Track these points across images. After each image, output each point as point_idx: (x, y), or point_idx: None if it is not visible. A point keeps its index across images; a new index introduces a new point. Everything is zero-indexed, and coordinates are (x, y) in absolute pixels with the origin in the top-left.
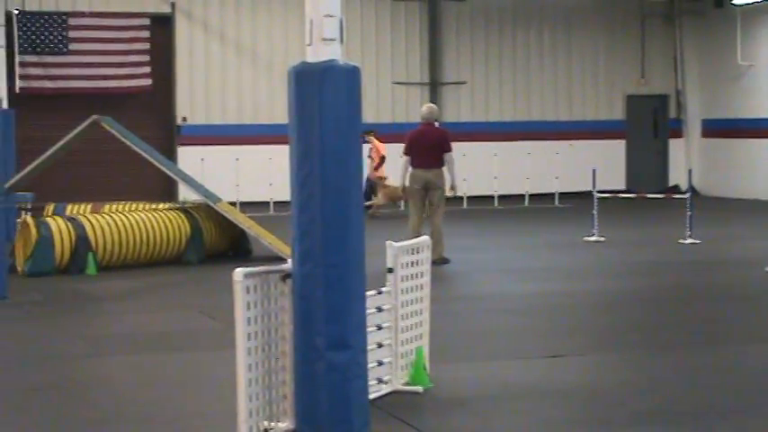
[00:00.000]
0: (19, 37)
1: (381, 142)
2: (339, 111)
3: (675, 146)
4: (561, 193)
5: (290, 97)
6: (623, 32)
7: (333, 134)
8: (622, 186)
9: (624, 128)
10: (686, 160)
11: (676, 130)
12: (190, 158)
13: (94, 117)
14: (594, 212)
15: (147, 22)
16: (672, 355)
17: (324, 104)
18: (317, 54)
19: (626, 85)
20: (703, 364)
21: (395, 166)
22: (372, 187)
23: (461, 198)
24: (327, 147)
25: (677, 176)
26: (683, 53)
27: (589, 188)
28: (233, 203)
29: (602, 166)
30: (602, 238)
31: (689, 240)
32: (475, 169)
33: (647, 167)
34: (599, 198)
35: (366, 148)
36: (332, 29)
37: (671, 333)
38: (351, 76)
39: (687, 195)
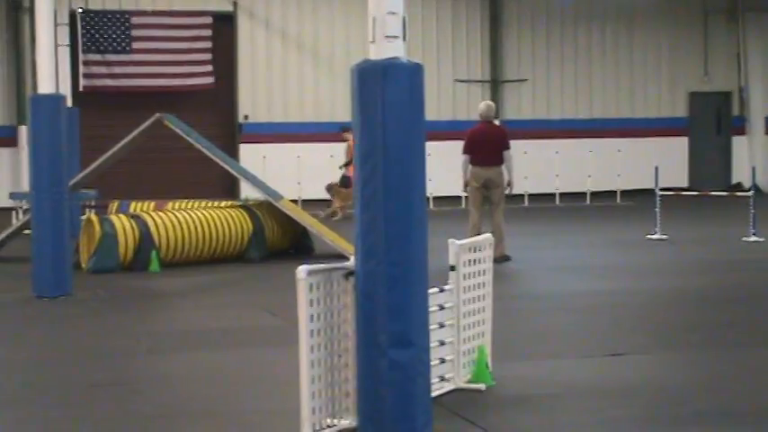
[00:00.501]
0: (83, 36)
1: None
2: (402, 108)
3: (738, 143)
4: (623, 191)
5: (353, 95)
6: (686, 29)
7: (396, 132)
8: (685, 184)
9: (687, 125)
10: (749, 157)
11: (739, 127)
12: (251, 156)
13: (158, 115)
14: (657, 210)
15: (209, 20)
16: (735, 354)
17: (387, 102)
18: (380, 52)
19: (689, 82)
20: (767, 364)
21: (451, 164)
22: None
23: (522, 196)
24: (390, 145)
25: (740, 174)
26: (746, 50)
27: (651, 186)
28: (295, 201)
29: (664, 163)
30: (665, 237)
31: (752, 238)
32: (536, 167)
33: (710, 165)
34: (661, 196)
35: (344, 146)
36: (395, 26)
37: (734, 332)
38: (414, 74)
39: (750, 193)
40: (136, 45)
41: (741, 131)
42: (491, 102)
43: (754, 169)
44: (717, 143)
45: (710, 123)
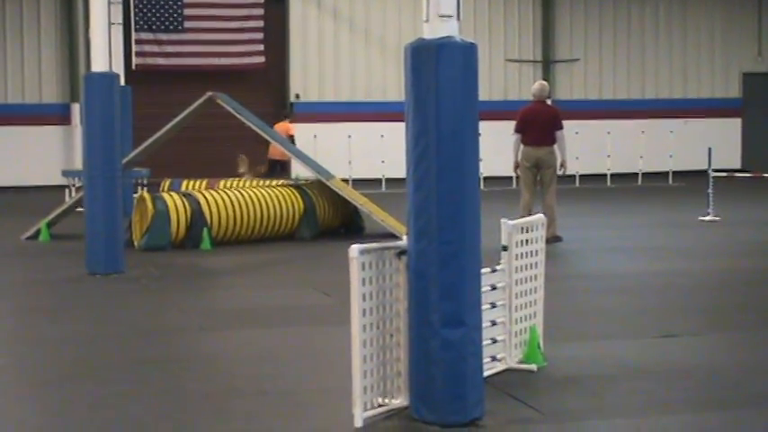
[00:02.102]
0: (135, 14)
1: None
2: (456, 87)
3: None
4: (675, 172)
5: (406, 74)
6: (740, 8)
7: (449, 111)
8: (738, 165)
9: (740, 106)
10: None
11: None
12: (303, 135)
13: (210, 93)
14: (710, 191)
15: None
16: None
17: (440, 81)
18: (434, 30)
19: (742, 62)
20: None
21: (503, 144)
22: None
23: (574, 176)
24: (443, 124)
25: None
26: None
27: (704, 167)
28: (345, 180)
29: (717, 144)
30: (717, 218)
31: None
32: (588, 147)
33: (764, 146)
34: (714, 177)
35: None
36: (449, 5)
37: None
38: (468, 53)
39: None
40: (188, 24)
41: None
42: (545, 82)
43: None
44: None
45: (764, 104)
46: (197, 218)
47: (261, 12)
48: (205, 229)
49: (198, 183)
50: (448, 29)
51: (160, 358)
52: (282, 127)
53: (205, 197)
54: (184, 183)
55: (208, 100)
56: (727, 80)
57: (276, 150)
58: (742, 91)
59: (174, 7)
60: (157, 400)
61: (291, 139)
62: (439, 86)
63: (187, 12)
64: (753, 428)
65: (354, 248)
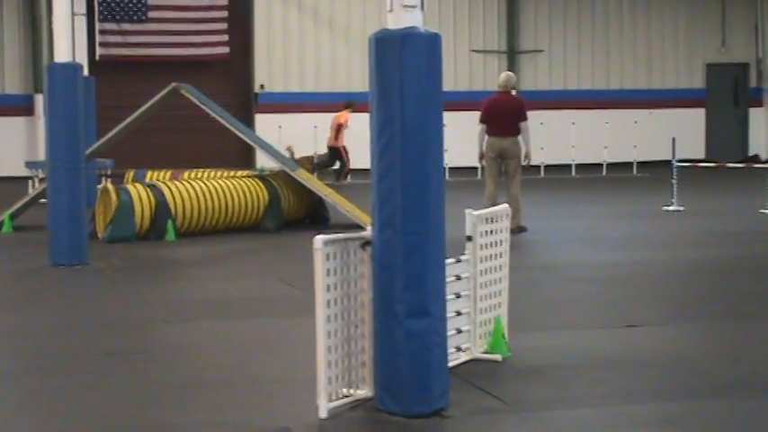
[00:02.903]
0: (99, 4)
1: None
2: (420, 78)
3: (756, 115)
4: (639, 163)
5: (370, 64)
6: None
7: (413, 102)
8: (702, 155)
9: (704, 96)
10: (767, 129)
11: (757, 98)
12: (268, 126)
13: (174, 84)
14: (674, 182)
15: None
16: (753, 325)
17: (405, 71)
18: (398, 21)
19: (706, 53)
20: None
21: (468, 135)
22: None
23: (539, 167)
24: (408, 114)
25: (757, 145)
26: (763, 21)
27: (668, 157)
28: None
29: (681, 134)
30: (682, 208)
31: None
32: (552, 138)
33: (727, 136)
34: (678, 167)
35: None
36: None
37: (752, 303)
38: (432, 43)
39: (767, 164)
40: (152, 14)
41: (758, 103)
42: (511, 73)
43: None
44: (734, 114)
45: (728, 95)
46: (161, 209)
47: (225, 2)
48: (169, 221)
49: (162, 174)
50: (412, 19)
51: (124, 350)
52: (343, 116)
53: (169, 188)
54: (149, 174)
55: (172, 90)
56: (691, 71)
57: (334, 138)
58: (706, 81)
59: None
60: (121, 391)
61: (339, 128)
62: (403, 77)
63: (151, 2)
64: (717, 417)
65: (318, 239)
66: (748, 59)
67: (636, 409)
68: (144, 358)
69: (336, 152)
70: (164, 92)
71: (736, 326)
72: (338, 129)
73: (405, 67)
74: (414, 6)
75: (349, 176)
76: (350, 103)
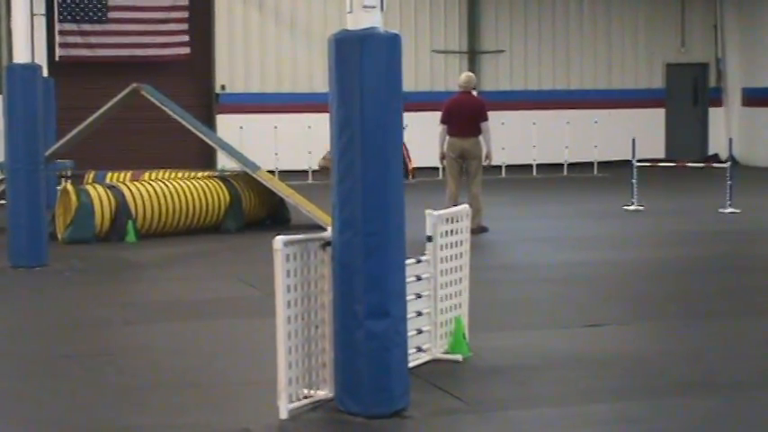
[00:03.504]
0: (59, 5)
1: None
2: (379, 79)
3: (715, 114)
4: (600, 162)
5: (330, 65)
6: (663, 0)
7: (373, 102)
8: (662, 155)
9: (664, 96)
10: (726, 129)
11: (716, 98)
12: (228, 126)
13: (134, 85)
14: (634, 181)
15: None
16: (713, 324)
17: (364, 72)
18: (358, 21)
19: (666, 53)
20: (744, 334)
21: (429, 135)
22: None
23: (500, 167)
24: (368, 115)
25: (717, 145)
26: (723, 21)
27: (628, 157)
28: (272, 172)
29: (641, 134)
30: (642, 207)
31: (729, 210)
32: (513, 138)
33: (687, 136)
34: (638, 167)
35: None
36: None
37: (711, 303)
38: (391, 44)
39: (727, 164)
40: (112, 14)
41: (718, 103)
42: (471, 73)
43: (730, 141)
44: (693, 114)
45: (687, 95)
46: (122, 210)
47: (185, 2)
48: (130, 222)
49: (122, 175)
50: (371, 20)
51: (84, 352)
52: None
53: (130, 189)
54: (109, 175)
55: (132, 91)
56: (651, 71)
57: None
58: (665, 81)
59: None
60: (81, 394)
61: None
62: (363, 78)
63: (111, 2)
64: (677, 416)
65: (279, 240)
66: (708, 59)
67: (596, 408)
68: (104, 360)
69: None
70: (124, 93)
71: (697, 325)
72: None
73: (364, 67)
74: (373, 7)
75: (412, 175)
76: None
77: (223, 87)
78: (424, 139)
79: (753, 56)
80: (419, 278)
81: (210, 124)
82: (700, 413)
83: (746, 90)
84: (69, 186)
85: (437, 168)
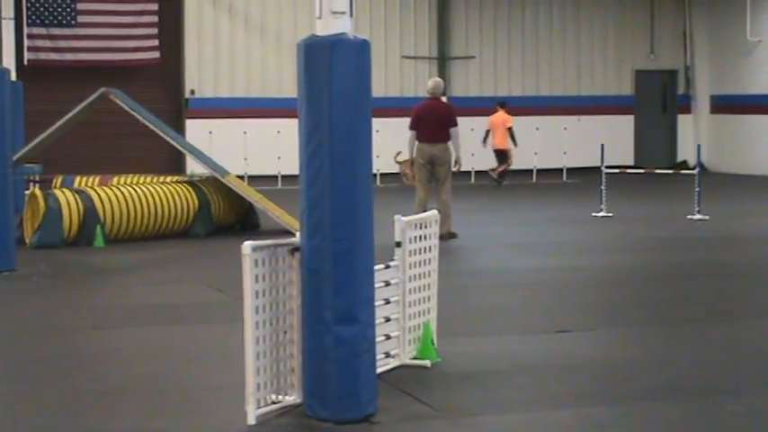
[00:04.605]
0: (27, 9)
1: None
2: (348, 84)
3: (684, 121)
4: (569, 169)
5: (299, 71)
6: (633, 7)
7: (342, 108)
8: (631, 162)
9: (633, 103)
10: (695, 136)
11: (685, 105)
12: (198, 131)
13: (103, 89)
14: (602, 188)
15: None
16: (680, 331)
17: (333, 78)
18: (327, 27)
19: (635, 60)
20: (712, 341)
21: (399, 140)
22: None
23: (469, 173)
24: (336, 120)
25: (686, 152)
26: (692, 28)
27: (597, 164)
28: (241, 177)
29: (610, 141)
30: (611, 214)
31: (697, 216)
32: (483, 144)
33: (656, 143)
34: (607, 173)
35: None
36: (341, 2)
37: (679, 309)
38: (360, 50)
39: (696, 171)
40: (81, 19)
41: (686, 110)
42: (439, 79)
43: (699, 147)
44: (662, 121)
45: (656, 102)
46: (90, 215)
47: (155, 7)
48: (98, 226)
49: (91, 179)
50: (341, 25)
51: (52, 357)
52: (500, 117)
53: (98, 194)
54: (77, 179)
55: (101, 96)
56: (620, 78)
57: (500, 140)
58: (634, 88)
59: (68, 1)
60: (49, 399)
61: (510, 131)
62: (332, 83)
63: (80, 6)
64: (643, 421)
65: (247, 245)
66: (676, 66)
67: (564, 414)
68: (72, 365)
69: (504, 153)
70: (92, 97)
71: (664, 331)
72: (509, 130)
73: (333, 73)
74: (343, 13)
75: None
76: (504, 102)
77: (192, 92)
78: (393, 144)
79: (721, 63)
80: (388, 284)
81: (180, 129)
82: (667, 419)
83: (715, 97)
84: (37, 191)
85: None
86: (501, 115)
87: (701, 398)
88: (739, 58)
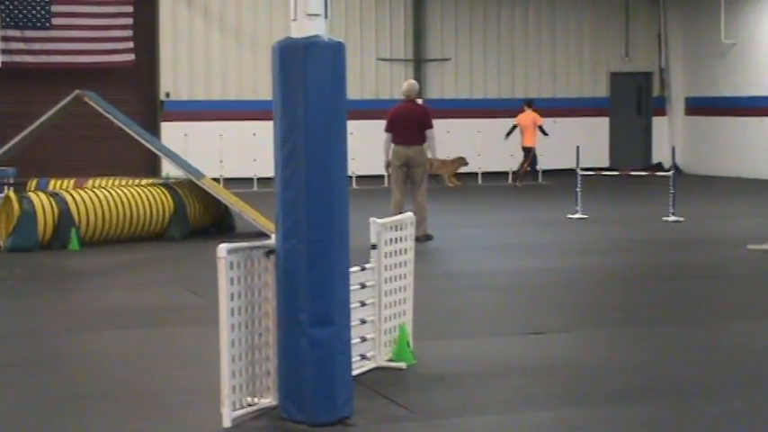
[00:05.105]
0: (2, 11)
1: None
2: (323, 86)
3: (659, 123)
4: (544, 171)
5: (274, 73)
6: (608, 9)
7: (317, 110)
8: (606, 164)
9: (608, 105)
10: (670, 138)
11: (660, 107)
12: (173, 134)
13: (78, 92)
14: (578, 190)
15: None
16: (655, 332)
17: (308, 80)
18: (302, 29)
19: (610, 62)
20: (686, 342)
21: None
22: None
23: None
24: (311, 123)
25: (661, 154)
26: (666, 31)
27: (572, 165)
28: (216, 179)
29: (585, 143)
30: (586, 216)
31: (672, 218)
32: (458, 146)
33: (631, 145)
34: (582, 175)
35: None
36: (316, 4)
37: (654, 311)
38: (335, 52)
39: (670, 173)
40: (55, 21)
41: (661, 112)
42: (414, 81)
43: (674, 149)
44: (637, 123)
45: (631, 104)
46: (65, 218)
47: (130, 9)
48: (73, 229)
49: (66, 182)
50: (316, 28)
51: (26, 361)
52: (530, 116)
53: (73, 196)
54: (52, 182)
55: (75, 98)
56: (595, 80)
57: (529, 138)
58: (609, 90)
59: (42, 4)
60: (23, 402)
61: (541, 129)
62: (307, 86)
63: (54, 8)
64: (616, 423)
65: (222, 248)
66: (651, 69)
67: (539, 415)
68: (46, 369)
69: (530, 151)
70: (67, 99)
71: (639, 333)
72: (540, 128)
73: (308, 75)
74: (318, 15)
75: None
76: (531, 101)
77: (168, 95)
78: (369, 147)
79: (696, 65)
80: (363, 286)
81: (155, 132)
82: (641, 420)
83: (689, 99)
84: (11, 194)
85: (382, 176)
86: (530, 114)
87: (676, 399)
88: (714, 61)
